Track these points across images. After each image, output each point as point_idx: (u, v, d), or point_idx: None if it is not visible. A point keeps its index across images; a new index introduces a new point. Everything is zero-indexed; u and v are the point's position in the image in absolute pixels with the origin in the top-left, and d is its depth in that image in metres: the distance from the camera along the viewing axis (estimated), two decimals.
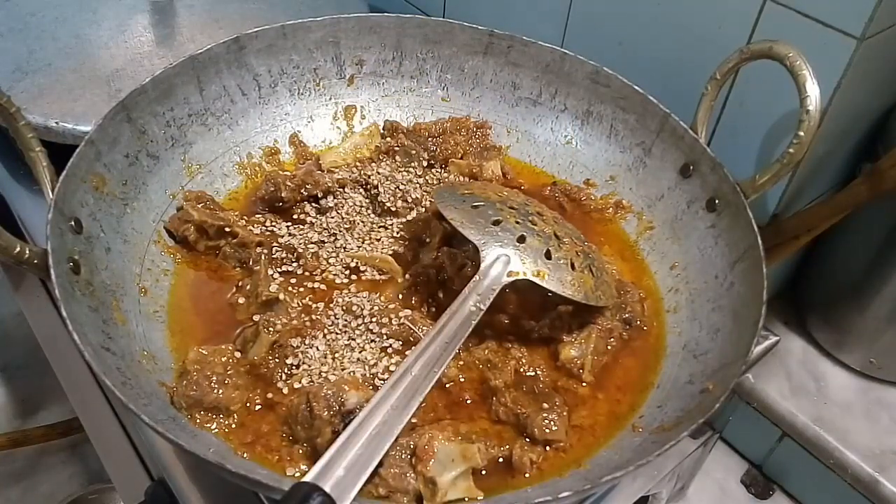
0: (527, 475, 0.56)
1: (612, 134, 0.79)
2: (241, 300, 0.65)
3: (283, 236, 0.71)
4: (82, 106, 0.78)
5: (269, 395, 0.59)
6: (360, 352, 0.62)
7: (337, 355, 0.61)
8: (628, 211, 0.77)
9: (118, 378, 0.52)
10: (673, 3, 0.72)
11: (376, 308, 0.64)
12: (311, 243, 0.70)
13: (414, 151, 0.78)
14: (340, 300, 0.65)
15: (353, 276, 0.68)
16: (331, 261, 0.69)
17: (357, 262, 0.69)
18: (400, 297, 0.67)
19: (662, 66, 0.76)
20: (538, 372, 0.63)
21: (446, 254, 0.68)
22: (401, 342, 0.62)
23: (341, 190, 0.75)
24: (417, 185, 0.76)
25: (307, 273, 0.68)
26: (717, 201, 0.69)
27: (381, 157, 0.78)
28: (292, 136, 0.80)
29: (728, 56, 0.65)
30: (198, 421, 0.56)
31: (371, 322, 0.63)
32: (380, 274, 0.69)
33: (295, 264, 0.68)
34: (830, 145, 0.69)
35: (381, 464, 0.50)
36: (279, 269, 0.67)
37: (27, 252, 0.54)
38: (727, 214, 0.68)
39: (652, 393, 0.63)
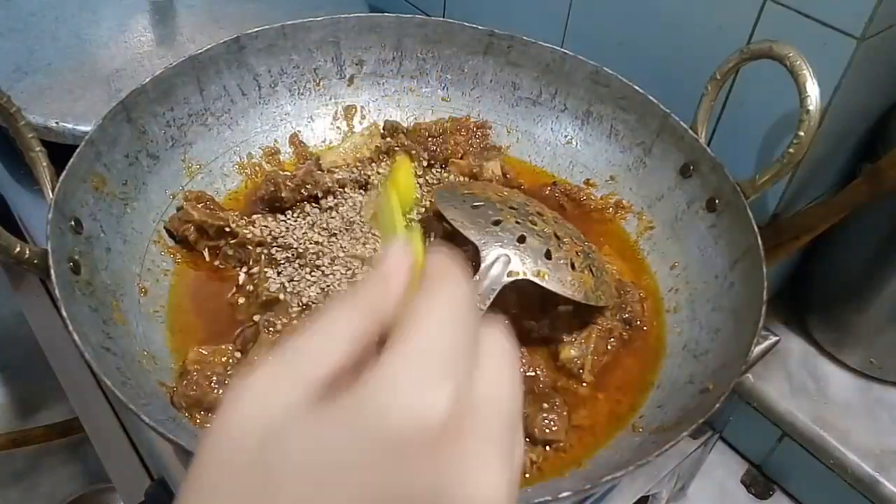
0: (527, 475, 0.56)
1: (612, 134, 0.79)
2: (241, 300, 0.65)
3: (283, 236, 0.71)
4: (82, 106, 0.78)
5: None
6: None
7: None
8: (628, 211, 0.77)
9: (118, 378, 0.52)
10: (673, 3, 0.72)
11: None
12: (312, 243, 0.70)
13: (414, 151, 0.78)
14: None
15: (353, 276, 0.68)
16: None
17: (357, 262, 0.69)
18: None
19: (662, 66, 0.76)
20: (538, 372, 0.63)
21: None
22: None
23: (341, 190, 0.75)
24: (417, 185, 0.76)
25: (307, 273, 0.68)
26: (717, 201, 0.69)
27: (381, 157, 0.78)
28: (292, 136, 0.80)
29: (728, 56, 0.65)
30: (198, 421, 0.56)
31: None
32: None
33: (295, 264, 0.68)
34: (830, 145, 0.69)
35: None
36: (279, 269, 0.67)
37: (27, 252, 0.54)
38: (727, 214, 0.68)
39: (652, 393, 0.63)
